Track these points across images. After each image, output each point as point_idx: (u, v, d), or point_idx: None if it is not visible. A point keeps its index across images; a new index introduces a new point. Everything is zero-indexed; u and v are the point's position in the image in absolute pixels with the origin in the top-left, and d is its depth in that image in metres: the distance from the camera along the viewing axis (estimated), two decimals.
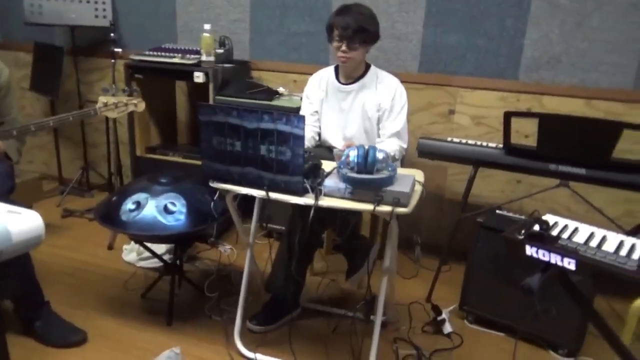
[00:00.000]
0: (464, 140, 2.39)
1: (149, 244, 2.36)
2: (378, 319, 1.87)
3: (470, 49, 2.72)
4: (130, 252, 2.75)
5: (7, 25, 3.72)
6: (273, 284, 2.25)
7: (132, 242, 2.70)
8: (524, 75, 2.67)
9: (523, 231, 1.39)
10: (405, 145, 2.29)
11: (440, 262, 2.51)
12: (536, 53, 2.62)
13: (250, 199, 1.88)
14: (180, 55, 2.88)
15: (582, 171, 2.08)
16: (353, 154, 1.70)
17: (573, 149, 2.06)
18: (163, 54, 2.91)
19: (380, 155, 1.71)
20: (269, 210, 2.32)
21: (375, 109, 2.27)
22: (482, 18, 2.67)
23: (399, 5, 2.79)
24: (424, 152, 2.42)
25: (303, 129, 1.58)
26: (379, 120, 2.29)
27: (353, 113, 2.31)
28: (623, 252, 1.29)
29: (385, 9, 2.80)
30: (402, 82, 2.31)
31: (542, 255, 1.35)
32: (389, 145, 2.22)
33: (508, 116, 2.15)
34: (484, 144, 2.34)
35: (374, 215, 2.53)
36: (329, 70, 2.38)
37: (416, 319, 2.32)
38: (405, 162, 2.53)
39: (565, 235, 1.42)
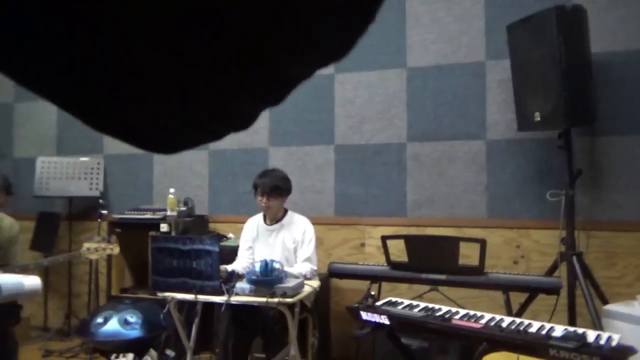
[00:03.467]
0: (365, 263, 3.13)
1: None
2: None
3: (369, 197, 3.63)
4: None
5: (17, 199, 4.64)
6: None
7: None
8: (410, 213, 3.53)
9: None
10: (315, 267, 3.02)
11: None
12: (415, 196, 3.52)
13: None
14: (151, 212, 3.74)
15: (442, 277, 2.79)
16: (257, 265, 2.44)
17: (432, 260, 2.80)
18: (138, 212, 3.77)
19: (276, 265, 2.44)
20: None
21: (291, 241, 3.05)
22: (374, 174, 3.64)
23: (315, 167, 3.78)
24: (332, 273, 3.13)
25: (214, 245, 2.34)
26: (295, 250, 3.06)
27: (276, 245, 3.08)
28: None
29: (303, 169, 3.77)
30: (321, 223, 3.12)
31: (370, 317, 2.02)
32: (303, 267, 2.95)
33: (384, 239, 2.93)
34: (379, 264, 3.07)
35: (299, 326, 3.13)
36: (259, 216, 3.22)
37: None
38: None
39: (394, 306, 2.10)
